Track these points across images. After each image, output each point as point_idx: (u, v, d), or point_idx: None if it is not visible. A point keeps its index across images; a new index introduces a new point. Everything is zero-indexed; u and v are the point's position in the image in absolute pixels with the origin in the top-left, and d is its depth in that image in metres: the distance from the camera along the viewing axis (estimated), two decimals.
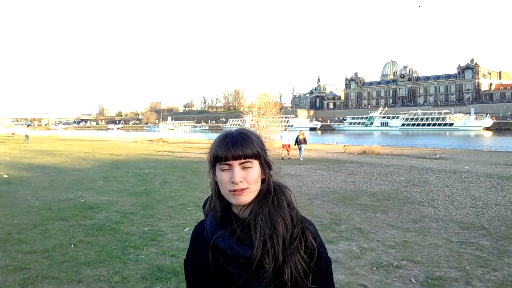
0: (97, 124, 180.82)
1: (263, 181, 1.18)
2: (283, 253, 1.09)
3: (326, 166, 15.06)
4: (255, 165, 1.14)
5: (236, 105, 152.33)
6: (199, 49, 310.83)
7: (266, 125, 30.66)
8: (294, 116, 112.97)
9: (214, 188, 1.20)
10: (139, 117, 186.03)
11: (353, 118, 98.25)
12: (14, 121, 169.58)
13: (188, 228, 5.58)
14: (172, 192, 8.87)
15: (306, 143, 19.61)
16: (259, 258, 1.08)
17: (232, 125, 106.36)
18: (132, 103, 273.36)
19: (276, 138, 30.20)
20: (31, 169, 12.81)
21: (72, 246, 4.72)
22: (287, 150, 19.07)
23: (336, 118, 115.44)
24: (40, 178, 10.59)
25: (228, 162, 1.12)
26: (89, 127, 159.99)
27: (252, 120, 35.81)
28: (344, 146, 24.26)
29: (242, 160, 1.12)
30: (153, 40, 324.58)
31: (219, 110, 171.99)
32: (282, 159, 17.97)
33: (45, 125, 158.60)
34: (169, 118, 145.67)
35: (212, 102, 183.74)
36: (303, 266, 1.11)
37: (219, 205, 1.18)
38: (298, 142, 18.91)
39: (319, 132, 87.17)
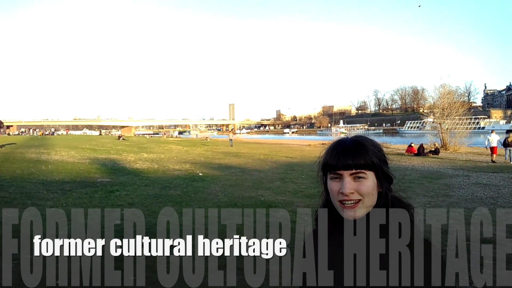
0: (274, 128, 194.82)
1: (380, 195, 1.04)
2: (393, 278, 0.99)
3: None
4: (369, 177, 1.01)
5: (415, 106, 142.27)
6: (371, 46, 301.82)
7: (450, 127, 27.68)
8: (486, 117, 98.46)
9: (326, 197, 1.12)
10: (312, 121, 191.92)
11: None
12: (207, 127, 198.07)
13: None
14: None
15: None
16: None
17: (409, 127, 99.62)
18: (305, 107, 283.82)
19: (465, 142, 26.92)
20: (220, 168, 14.52)
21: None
22: (495, 153, 17.65)
23: None
24: (227, 177, 11.89)
25: (338, 172, 1.02)
26: (268, 131, 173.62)
27: (433, 122, 32.86)
28: None
29: (353, 171, 1.01)
30: (322, 40, 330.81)
31: (395, 112, 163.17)
32: (493, 162, 17.11)
33: (231, 130, 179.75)
34: (341, 121, 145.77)
35: (387, 104, 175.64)
36: None
37: (329, 215, 1.11)
38: (506, 144, 17.02)
39: None
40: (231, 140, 34.11)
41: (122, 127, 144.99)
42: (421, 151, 22.07)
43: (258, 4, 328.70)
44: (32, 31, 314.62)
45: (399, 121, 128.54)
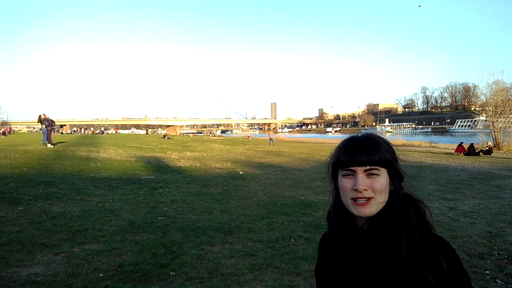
0: (316, 127, 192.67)
1: (391, 192, 1.02)
2: (405, 275, 0.94)
3: None
4: (382, 174, 1.00)
5: (466, 103, 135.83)
6: (419, 40, 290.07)
7: (504, 126, 26.18)
8: None
9: (335, 196, 1.10)
10: (356, 120, 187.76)
11: None
12: (249, 126, 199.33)
13: None
14: None
15: None
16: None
17: (460, 126, 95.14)
18: (349, 106, 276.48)
19: None
20: (261, 167, 14.55)
21: (292, 240, 5.04)
22: None
23: None
24: (267, 176, 11.89)
25: (352, 168, 1.00)
26: (310, 130, 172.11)
27: (485, 120, 31.29)
28: None
29: (368, 167, 0.99)
30: (366, 36, 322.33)
31: (445, 110, 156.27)
32: None
33: (273, 129, 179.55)
34: (386, 120, 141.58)
35: (436, 102, 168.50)
36: None
37: (339, 215, 1.09)
38: None
39: None
40: (271, 139, 34.14)
41: (168, 126, 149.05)
42: (471, 151, 20.98)
43: (299, 3, 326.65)
44: (88, 40, 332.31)
45: (449, 120, 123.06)
